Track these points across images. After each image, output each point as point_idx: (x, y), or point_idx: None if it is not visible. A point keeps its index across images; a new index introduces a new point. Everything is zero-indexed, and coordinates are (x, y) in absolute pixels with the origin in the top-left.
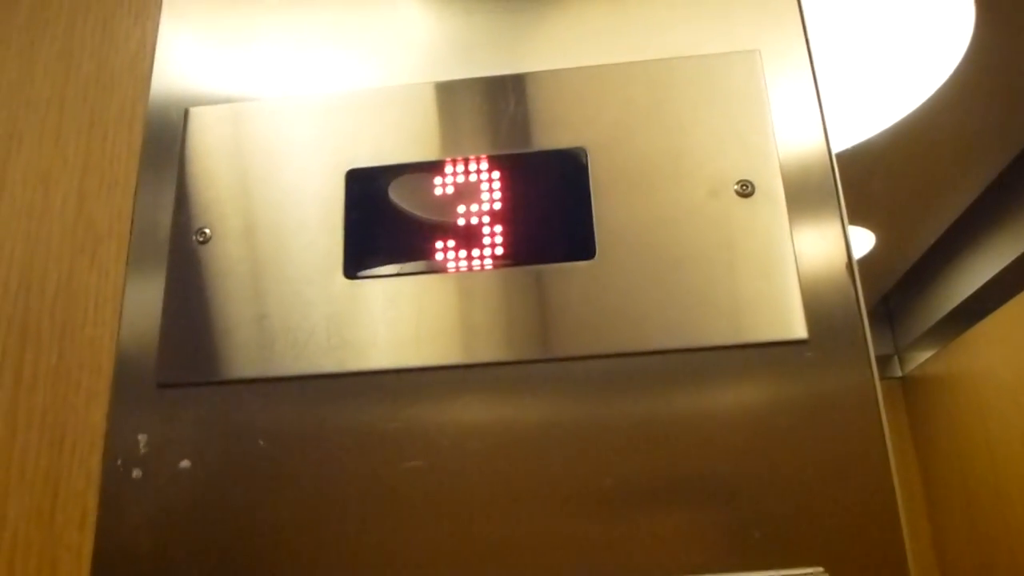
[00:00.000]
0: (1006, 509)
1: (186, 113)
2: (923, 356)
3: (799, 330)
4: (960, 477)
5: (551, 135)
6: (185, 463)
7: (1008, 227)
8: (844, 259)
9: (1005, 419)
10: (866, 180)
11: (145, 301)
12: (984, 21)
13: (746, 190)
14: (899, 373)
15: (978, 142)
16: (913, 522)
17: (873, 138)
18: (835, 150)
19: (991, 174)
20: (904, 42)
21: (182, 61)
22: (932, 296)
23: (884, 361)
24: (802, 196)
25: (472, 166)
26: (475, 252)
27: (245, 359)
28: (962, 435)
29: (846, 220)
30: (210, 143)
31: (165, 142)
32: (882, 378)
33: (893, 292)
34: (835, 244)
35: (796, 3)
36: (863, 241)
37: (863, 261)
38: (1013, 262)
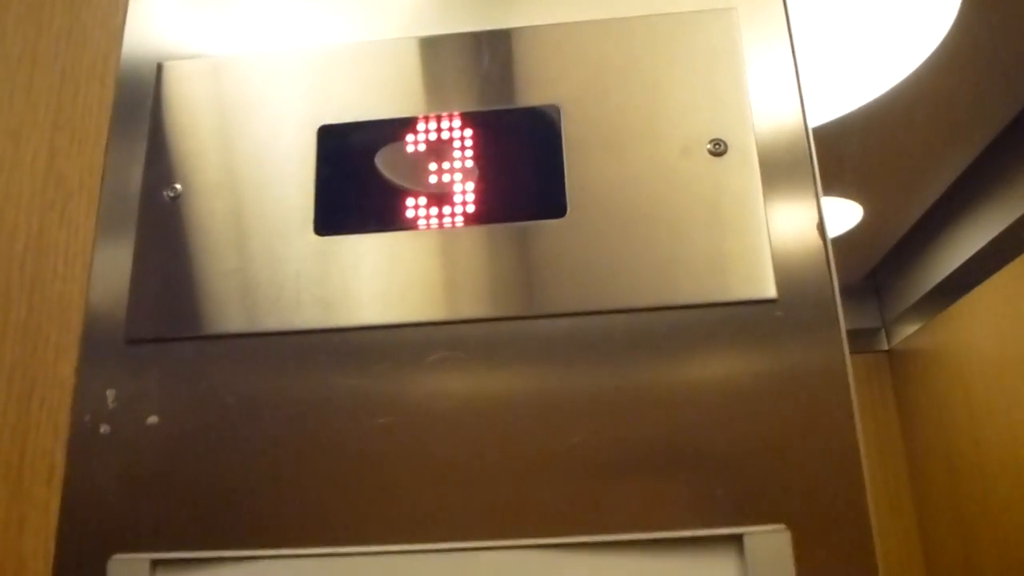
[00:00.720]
0: (988, 481)
1: (159, 67)
2: (910, 330)
3: (769, 289)
4: (944, 449)
5: (525, 92)
6: (153, 419)
7: (995, 200)
8: (815, 218)
9: (988, 392)
10: (853, 152)
11: (115, 257)
12: None
13: (719, 148)
14: (885, 346)
15: (965, 115)
16: (896, 494)
17: (859, 109)
18: (823, 121)
19: (978, 147)
20: (892, 12)
21: (155, 15)
22: (919, 269)
23: (871, 334)
24: (776, 157)
25: (445, 123)
26: (446, 209)
27: (214, 315)
28: (946, 408)
29: (819, 183)
30: (183, 98)
31: (137, 97)
32: (869, 351)
33: (880, 265)
34: (807, 206)
35: None
36: (850, 214)
37: (850, 234)
38: (999, 235)
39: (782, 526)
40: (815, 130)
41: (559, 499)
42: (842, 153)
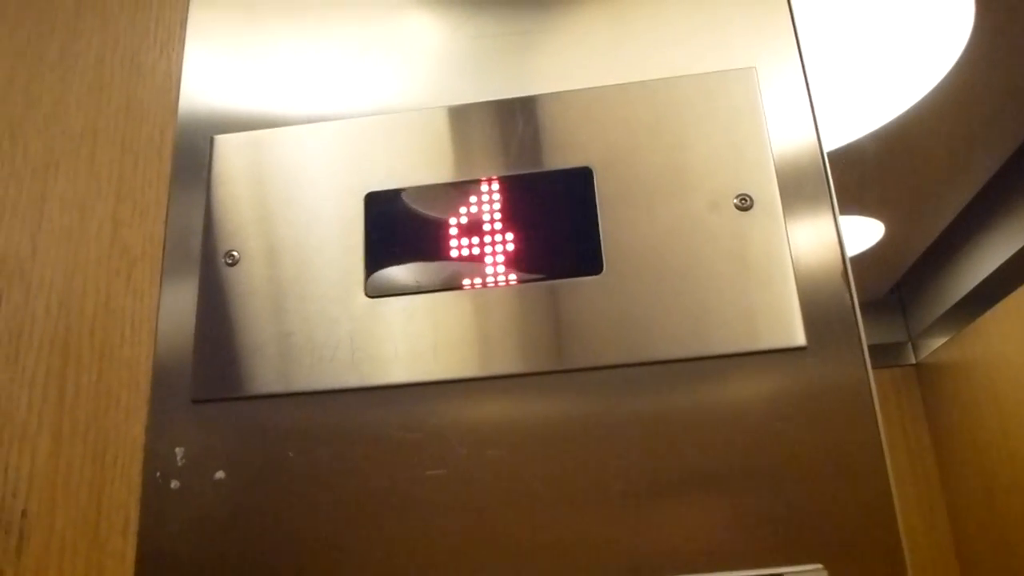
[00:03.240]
0: None
1: (212, 141)
2: (937, 343)
3: (798, 338)
4: (977, 463)
5: (558, 155)
6: (220, 474)
7: (1017, 213)
8: (840, 267)
9: (1020, 404)
10: (873, 171)
11: (178, 321)
12: (985, 9)
13: (745, 203)
14: (913, 360)
15: (983, 130)
16: (931, 509)
17: (881, 127)
18: (843, 142)
19: (999, 161)
20: (912, 30)
21: (206, 91)
22: (944, 283)
23: (898, 349)
24: (798, 205)
25: (484, 187)
26: (488, 269)
27: (274, 375)
28: (978, 422)
29: (841, 229)
30: (235, 169)
31: (193, 168)
32: (896, 366)
33: (905, 280)
34: (831, 252)
35: (790, 20)
36: (873, 231)
37: (873, 251)
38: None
39: (820, 566)
40: (832, 152)
41: (605, 540)
42: (862, 172)
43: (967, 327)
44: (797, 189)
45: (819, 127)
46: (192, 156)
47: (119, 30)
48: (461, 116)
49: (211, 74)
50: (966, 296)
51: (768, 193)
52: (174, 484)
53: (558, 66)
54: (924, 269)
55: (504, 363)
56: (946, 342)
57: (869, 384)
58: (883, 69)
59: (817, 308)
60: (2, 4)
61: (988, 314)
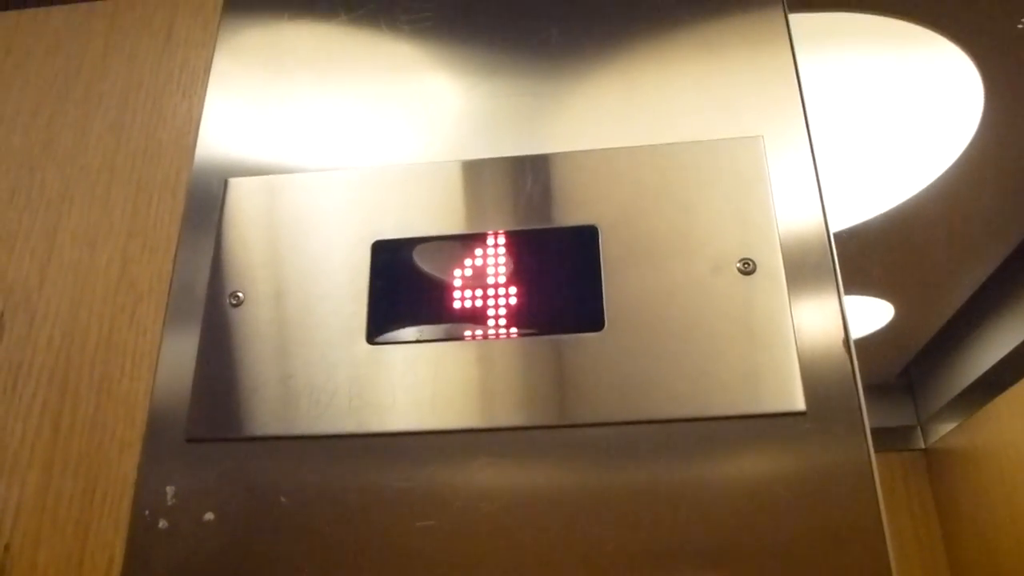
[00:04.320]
0: None
1: (226, 183)
2: (946, 428)
3: (798, 403)
4: (985, 550)
5: (565, 213)
6: (209, 515)
7: None
8: (842, 335)
9: None
10: (884, 251)
11: (179, 358)
12: (993, 96)
13: (748, 268)
14: (922, 445)
15: (995, 215)
16: None
17: (892, 209)
18: (851, 223)
19: (1009, 246)
20: (922, 116)
21: (224, 135)
22: (953, 368)
23: (906, 433)
24: (802, 273)
25: (490, 240)
26: (491, 322)
27: (270, 417)
28: (987, 508)
29: (843, 297)
30: (247, 212)
31: (206, 209)
32: (904, 450)
33: (914, 364)
34: (833, 320)
35: (798, 92)
36: (882, 313)
37: (882, 333)
38: None
39: None
40: (842, 232)
41: None
42: (872, 253)
43: (977, 413)
44: (801, 257)
45: (824, 197)
46: (205, 197)
47: (144, 72)
48: (472, 170)
49: (230, 119)
50: (976, 381)
51: (771, 259)
52: (162, 524)
53: (569, 128)
54: (934, 353)
55: (502, 416)
56: (955, 427)
57: (868, 451)
58: (893, 153)
59: (817, 375)
60: (33, 41)
61: (998, 400)
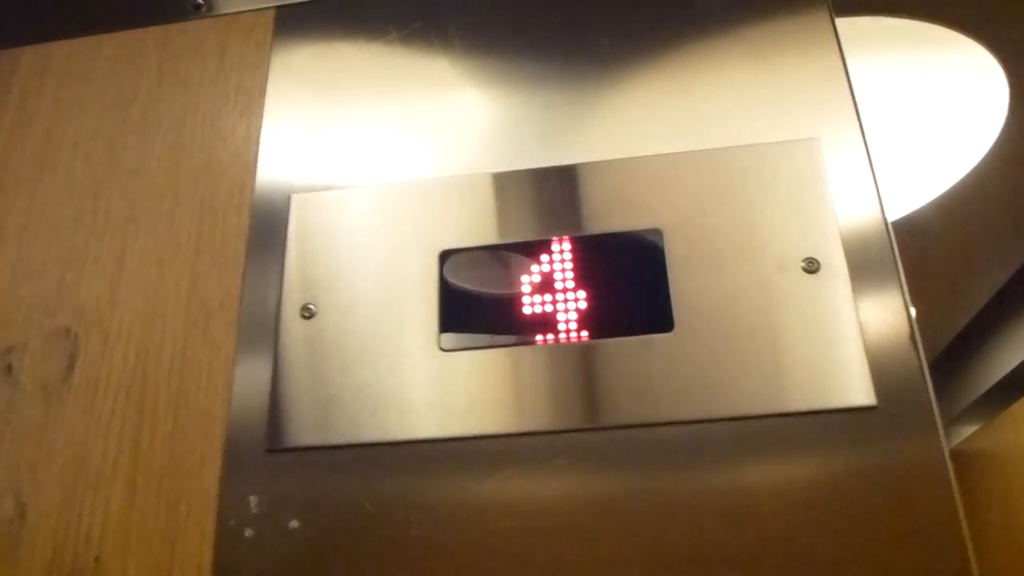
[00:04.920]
0: None
1: (289, 199)
2: (968, 430)
3: (868, 397)
4: (1011, 552)
5: (629, 217)
6: (294, 523)
7: None
8: (907, 329)
9: None
10: (905, 253)
11: (253, 372)
12: (1018, 97)
13: (812, 266)
14: None
15: (1018, 216)
16: None
17: (913, 211)
18: None
19: None
20: (945, 117)
21: (284, 152)
22: (974, 370)
23: None
24: (865, 270)
25: (556, 246)
26: (561, 326)
27: (348, 426)
28: (1013, 510)
29: (907, 292)
30: (312, 226)
31: (270, 225)
32: None
33: (936, 365)
34: (898, 315)
35: (849, 92)
36: None
37: None
38: None
39: None
40: None
41: None
42: None
43: (1000, 414)
44: (863, 254)
45: (881, 195)
46: (269, 213)
47: (200, 96)
48: (534, 179)
49: (288, 137)
50: (999, 383)
51: (834, 257)
52: (248, 532)
53: (627, 134)
54: (956, 354)
55: (577, 417)
56: (978, 429)
57: (941, 445)
58: (915, 156)
59: (885, 370)
60: (89, 68)
61: (1021, 401)
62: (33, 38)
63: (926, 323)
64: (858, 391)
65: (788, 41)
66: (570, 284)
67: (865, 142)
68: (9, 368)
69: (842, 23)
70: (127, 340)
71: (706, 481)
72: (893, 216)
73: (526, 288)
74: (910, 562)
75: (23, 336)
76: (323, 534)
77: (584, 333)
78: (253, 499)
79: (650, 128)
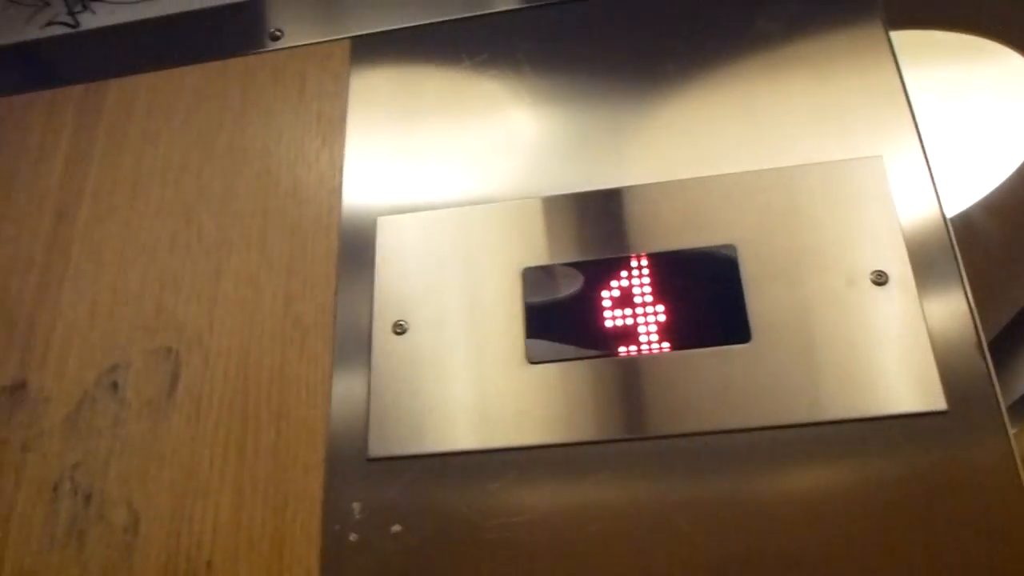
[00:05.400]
0: None
1: (376, 222)
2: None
3: (939, 403)
4: None
5: (704, 234)
6: (397, 527)
7: None
8: (974, 337)
9: None
10: None
11: (350, 385)
12: None
13: (880, 279)
14: None
15: None
16: None
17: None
18: None
19: None
20: (980, 126)
21: (366, 176)
22: (1012, 374)
23: None
24: (930, 281)
25: (634, 262)
26: (642, 338)
27: (444, 435)
28: None
29: (972, 302)
30: (399, 247)
31: (358, 246)
32: None
33: None
34: (965, 323)
35: (908, 109)
36: None
37: None
38: None
39: None
40: None
41: None
42: None
43: None
44: (928, 266)
45: (944, 210)
46: (356, 235)
47: (283, 124)
48: (610, 198)
49: (370, 162)
50: None
51: (901, 270)
52: (352, 537)
53: (697, 153)
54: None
55: (662, 425)
56: (1017, 432)
57: (1010, 447)
58: (949, 165)
59: (955, 376)
60: (174, 99)
61: None
62: (119, 71)
63: None
64: (929, 397)
65: (846, 59)
66: (649, 298)
67: (925, 156)
68: (115, 386)
69: (894, 35)
70: (227, 357)
71: (786, 484)
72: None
73: (607, 303)
74: (982, 560)
75: (126, 355)
76: (425, 538)
77: (664, 345)
78: (356, 505)
79: (718, 148)
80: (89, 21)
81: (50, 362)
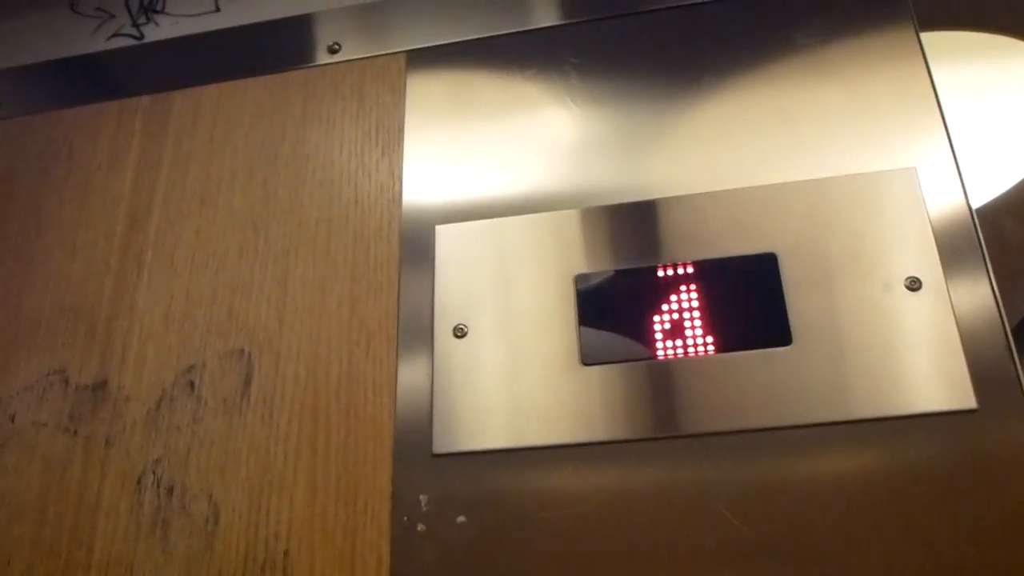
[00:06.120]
0: None
1: (434, 230)
2: None
3: (970, 401)
4: None
5: (746, 242)
6: (462, 518)
7: None
8: (1003, 340)
9: None
10: None
11: (414, 384)
12: None
13: (915, 285)
14: None
15: None
16: None
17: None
18: None
19: None
20: (1001, 124)
21: (425, 185)
22: None
23: None
24: (962, 286)
25: (680, 269)
26: (690, 341)
27: (505, 432)
28: None
29: (1001, 303)
30: (457, 254)
31: (418, 253)
32: None
33: None
34: (994, 326)
35: (940, 119)
36: None
37: None
38: None
39: None
40: None
41: None
42: None
43: None
44: (959, 272)
45: (975, 219)
46: (416, 241)
47: (344, 134)
48: (656, 208)
49: (427, 170)
50: None
51: (935, 276)
52: (420, 527)
53: (737, 164)
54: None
55: (710, 422)
56: None
57: None
58: (967, 162)
59: (984, 375)
60: (238, 110)
61: None
62: (183, 83)
63: None
64: (961, 395)
65: (879, 68)
66: (695, 304)
67: (957, 166)
68: (191, 385)
69: (926, 36)
70: (296, 359)
71: (823, 478)
72: None
73: (655, 308)
74: (1014, 553)
75: (201, 356)
76: (488, 528)
77: (710, 348)
78: (423, 498)
79: (757, 158)
80: (153, 33)
81: (129, 363)
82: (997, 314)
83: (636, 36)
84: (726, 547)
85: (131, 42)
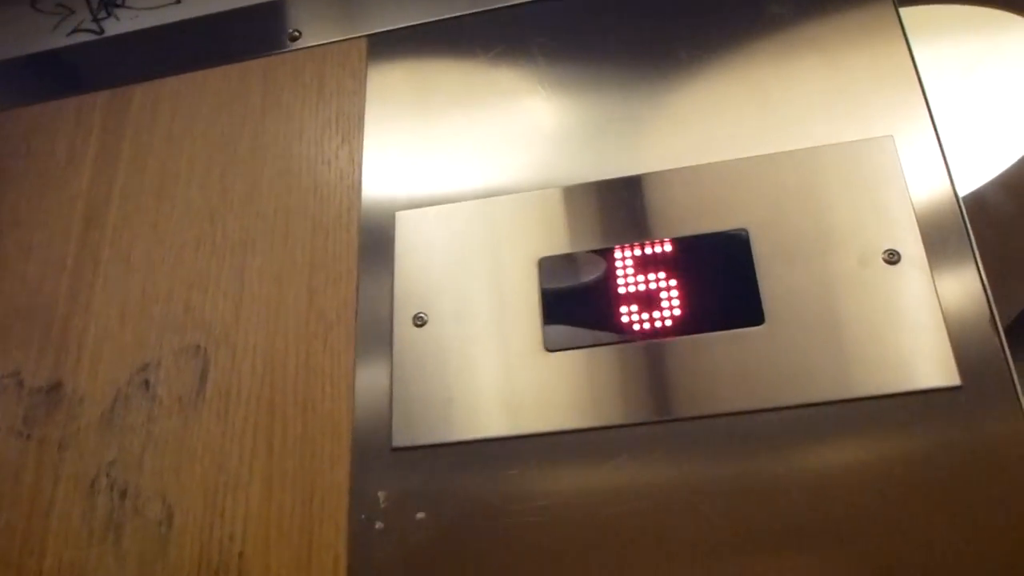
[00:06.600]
0: None
1: (395, 216)
2: None
3: (953, 378)
4: None
5: (717, 219)
6: (421, 515)
7: None
8: (987, 313)
9: None
10: None
11: (373, 377)
12: None
13: (893, 258)
14: None
15: None
16: None
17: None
18: None
19: None
20: (997, 103)
21: (385, 172)
22: None
23: None
24: (943, 259)
25: (648, 248)
26: (658, 323)
27: (466, 423)
28: None
29: (985, 279)
30: (417, 240)
31: (378, 241)
32: None
33: None
34: (977, 300)
35: (919, 88)
36: None
37: None
38: None
39: None
40: None
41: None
42: None
43: None
44: (941, 244)
45: (956, 187)
46: (376, 230)
47: (303, 123)
48: (623, 186)
49: (388, 158)
50: None
51: (914, 248)
52: (378, 525)
53: (709, 138)
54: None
55: (679, 407)
56: None
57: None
58: (964, 143)
59: (968, 352)
60: (197, 102)
61: None
62: (143, 76)
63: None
64: (944, 372)
65: (857, 40)
66: (663, 284)
67: (937, 135)
68: (146, 384)
69: (906, 12)
70: (253, 353)
71: (801, 462)
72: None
73: (621, 289)
74: (998, 531)
75: (156, 354)
76: (448, 524)
77: (679, 329)
78: (381, 494)
79: (731, 133)
80: (113, 27)
81: (84, 363)
82: (980, 286)
83: (604, 12)
84: (698, 536)
85: (92, 37)
